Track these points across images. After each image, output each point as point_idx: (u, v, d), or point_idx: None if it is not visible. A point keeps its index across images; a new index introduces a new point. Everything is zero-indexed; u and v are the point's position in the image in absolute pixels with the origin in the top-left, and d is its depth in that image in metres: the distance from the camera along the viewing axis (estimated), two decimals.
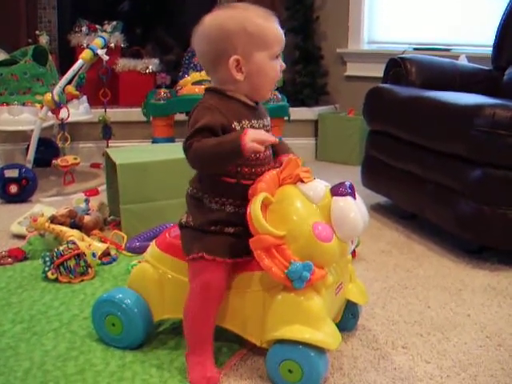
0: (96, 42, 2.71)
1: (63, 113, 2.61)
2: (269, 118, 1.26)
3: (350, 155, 3.39)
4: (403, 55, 2.53)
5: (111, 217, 2.19)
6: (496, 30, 2.54)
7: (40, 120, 2.58)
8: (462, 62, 2.73)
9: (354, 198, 1.15)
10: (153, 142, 3.09)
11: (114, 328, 1.29)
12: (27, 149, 2.66)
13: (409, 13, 3.44)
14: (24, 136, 2.95)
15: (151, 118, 3.10)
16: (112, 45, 3.40)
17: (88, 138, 3.31)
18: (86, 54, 2.66)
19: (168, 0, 3.93)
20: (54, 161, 2.60)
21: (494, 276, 1.77)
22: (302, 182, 1.16)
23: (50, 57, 2.79)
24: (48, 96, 2.54)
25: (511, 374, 1.23)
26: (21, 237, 2.00)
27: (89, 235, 1.93)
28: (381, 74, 2.51)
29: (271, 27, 1.16)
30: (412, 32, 3.42)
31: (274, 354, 1.16)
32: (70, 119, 2.66)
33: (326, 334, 1.13)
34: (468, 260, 1.89)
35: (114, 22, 3.53)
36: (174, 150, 2.17)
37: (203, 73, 2.82)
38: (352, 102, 3.43)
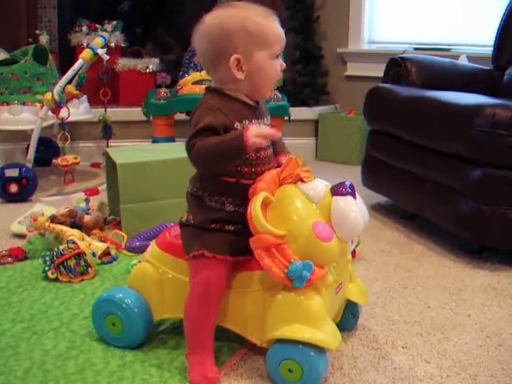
0: (96, 42, 2.71)
1: (63, 112, 2.61)
2: (269, 117, 1.26)
3: (351, 155, 3.39)
4: (403, 55, 2.53)
5: (111, 216, 2.19)
6: (496, 29, 2.54)
7: (40, 119, 2.58)
8: (463, 61, 2.73)
9: (355, 197, 1.15)
10: (153, 142, 3.09)
11: (114, 327, 1.29)
12: (27, 148, 2.66)
13: (409, 13, 3.44)
14: (24, 135, 2.95)
15: (151, 118, 3.10)
16: (112, 44, 3.40)
17: (88, 138, 3.31)
18: (86, 54, 2.66)
19: (168, 0, 3.93)
20: (54, 160, 2.61)
21: (494, 276, 1.77)
22: (303, 181, 1.16)
23: (50, 56, 2.79)
24: (48, 95, 2.54)
25: (511, 373, 1.23)
26: (21, 236, 2.00)
27: (89, 235, 1.93)
28: (381, 74, 2.51)
29: (271, 26, 1.16)
30: (412, 32, 3.42)
31: (274, 354, 1.16)
32: (70, 119, 2.66)
33: (326, 334, 1.13)
34: (468, 260, 1.89)
35: (115, 22, 3.53)
36: (174, 150, 2.17)
37: (203, 72, 2.82)
38: (352, 101, 3.43)
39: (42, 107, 2.58)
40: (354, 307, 1.38)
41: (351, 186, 1.16)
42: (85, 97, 2.90)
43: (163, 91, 3.04)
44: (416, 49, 3.30)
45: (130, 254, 1.87)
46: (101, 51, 2.69)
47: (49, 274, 1.65)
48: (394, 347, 1.33)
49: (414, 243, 2.06)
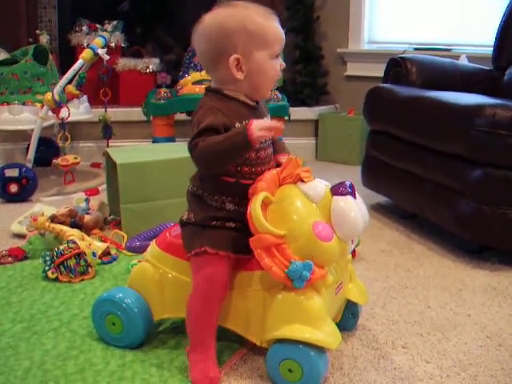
0: (96, 42, 2.71)
1: (63, 112, 2.61)
2: (269, 116, 1.26)
3: (351, 155, 3.39)
4: (404, 55, 2.53)
5: (111, 216, 2.19)
6: (496, 30, 2.54)
7: (40, 119, 2.58)
8: (463, 61, 2.73)
9: (355, 197, 1.15)
10: (153, 142, 3.09)
11: (114, 327, 1.29)
12: (27, 148, 2.66)
13: (409, 13, 3.43)
14: (24, 135, 2.95)
15: (151, 118, 3.10)
16: (112, 44, 3.40)
17: (88, 138, 3.31)
18: (86, 54, 2.66)
19: (168, 0, 3.93)
20: (54, 160, 2.61)
21: (494, 276, 1.77)
22: (303, 181, 1.16)
23: (50, 56, 2.79)
24: (48, 95, 2.54)
25: (511, 374, 1.23)
26: (21, 236, 2.00)
27: (89, 235, 1.93)
28: (381, 74, 2.51)
29: (271, 26, 1.16)
30: (412, 32, 3.42)
31: (274, 354, 1.16)
32: (70, 119, 2.66)
33: (326, 334, 1.13)
34: (468, 260, 1.89)
35: (115, 22, 3.53)
36: (175, 150, 2.17)
37: (203, 72, 2.82)
38: (352, 101, 3.43)
39: (42, 107, 2.58)
40: (354, 307, 1.38)
41: (351, 186, 1.16)
42: (85, 97, 2.90)
43: (163, 91, 3.04)
44: (416, 49, 3.30)
45: (130, 253, 1.87)
46: (101, 51, 2.69)
47: (49, 273, 1.65)
48: (393, 347, 1.33)
49: (414, 243, 2.06)
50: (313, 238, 1.10)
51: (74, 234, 1.81)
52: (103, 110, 3.15)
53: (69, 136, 2.69)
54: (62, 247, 1.69)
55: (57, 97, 2.55)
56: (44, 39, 3.36)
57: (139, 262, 1.39)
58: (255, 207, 1.10)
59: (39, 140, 2.62)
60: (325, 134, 3.55)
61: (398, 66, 2.40)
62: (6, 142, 3.20)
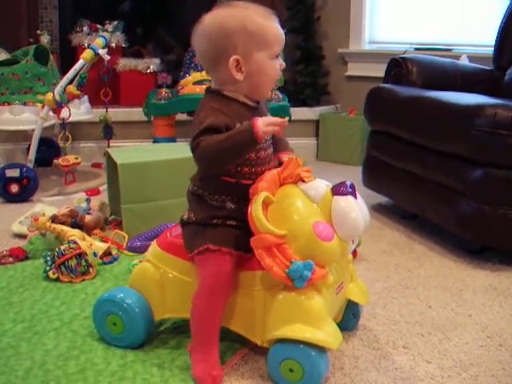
0: (97, 42, 2.72)
1: (64, 112, 2.61)
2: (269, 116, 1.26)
3: (351, 155, 3.39)
4: (404, 55, 2.52)
5: (112, 216, 2.19)
6: (497, 30, 2.54)
7: (41, 120, 2.58)
8: (463, 62, 2.73)
9: (355, 197, 1.15)
10: (154, 142, 3.08)
11: (115, 327, 1.29)
12: (28, 148, 2.66)
13: (410, 13, 3.43)
14: (25, 136, 2.96)
15: (152, 118, 3.10)
16: (113, 44, 3.39)
17: (89, 138, 3.31)
18: (87, 54, 2.66)
19: (169, 0, 3.94)
20: (55, 160, 2.61)
21: (495, 276, 1.77)
22: (303, 181, 1.16)
23: (51, 56, 2.79)
24: (49, 96, 2.54)
25: None
26: (22, 236, 2.00)
27: (90, 235, 1.93)
28: (382, 74, 2.51)
29: (271, 26, 1.16)
30: (413, 32, 3.42)
31: (275, 354, 1.16)
32: (71, 119, 2.66)
33: (326, 334, 1.13)
34: (469, 260, 1.89)
35: (115, 22, 3.52)
36: (175, 150, 2.17)
37: (204, 73, 2.82)
38: (353, 102, 3.43)
39: (42, 107, 2.58)
40: (355, 307, 1.38)
41: (352, 186, 1.16)
42: (86, 97, 2.90)
43: (164, 91, 3.04)
44: (417, 49, 3.29)
45: (130, 254, 1.87)
46: (102, 51, 2.70)
47: (50, 273, 1.65)
48: (395, 347, 1.33)
49: (414, 243, 2.06)
50: (313, 237, 1.10)
51: (74, 234, 1.81)
52: (104, 110, 3.15)
53: (69, 136, 2.70)
54: (62, 247, 1.69)
55: (58, 97, 2.55)
56: (45, 39, 3.36)
57: (140, 262, 1.39)
58: (256, 207, 1.10)
59: (40, 140, 2.62)
60: (325, 134, 3.55)
61: (398, 66, 2.40)
62: (7, 142, 3.20)
